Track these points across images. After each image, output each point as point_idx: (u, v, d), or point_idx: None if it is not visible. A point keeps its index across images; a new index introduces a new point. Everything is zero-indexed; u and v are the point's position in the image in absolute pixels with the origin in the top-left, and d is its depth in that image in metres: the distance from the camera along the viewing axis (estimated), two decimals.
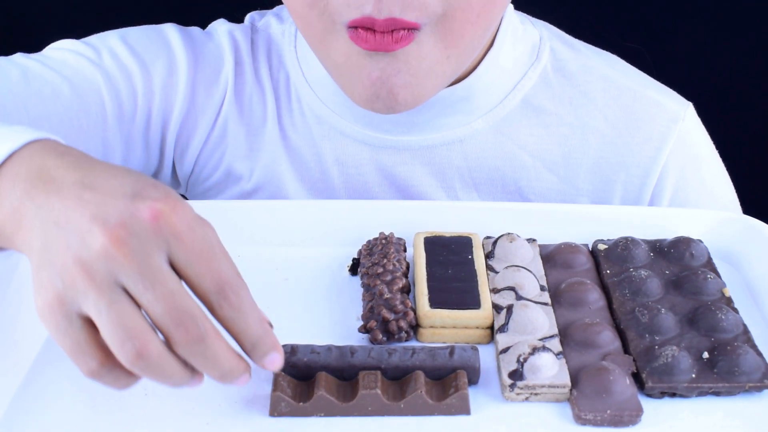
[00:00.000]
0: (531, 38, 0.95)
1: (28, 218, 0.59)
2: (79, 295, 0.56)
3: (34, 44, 0.94)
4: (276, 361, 0.60)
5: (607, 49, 1.00)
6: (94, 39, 0.94)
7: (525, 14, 0.97)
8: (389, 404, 0.63)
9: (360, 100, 0.81)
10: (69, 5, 1.51)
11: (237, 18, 1.00)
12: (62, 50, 0.92)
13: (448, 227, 0.81)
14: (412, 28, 0.76)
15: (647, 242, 0.79)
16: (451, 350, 0.67)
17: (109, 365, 0.57)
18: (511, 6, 0.92)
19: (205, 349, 0.57)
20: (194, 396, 0.66)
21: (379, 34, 0.76)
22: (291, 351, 0.66)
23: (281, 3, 0.99)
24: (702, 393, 0.66)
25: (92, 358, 0.57)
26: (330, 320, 0.73)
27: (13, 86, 0.86)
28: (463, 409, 0.64)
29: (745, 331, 0.70)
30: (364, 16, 0.75)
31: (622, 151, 0.95)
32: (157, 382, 0.58)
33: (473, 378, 0.66)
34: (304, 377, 0.66)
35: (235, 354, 0.58)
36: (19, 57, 0.90)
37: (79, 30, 0.97)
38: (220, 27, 0.97)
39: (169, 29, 0.95)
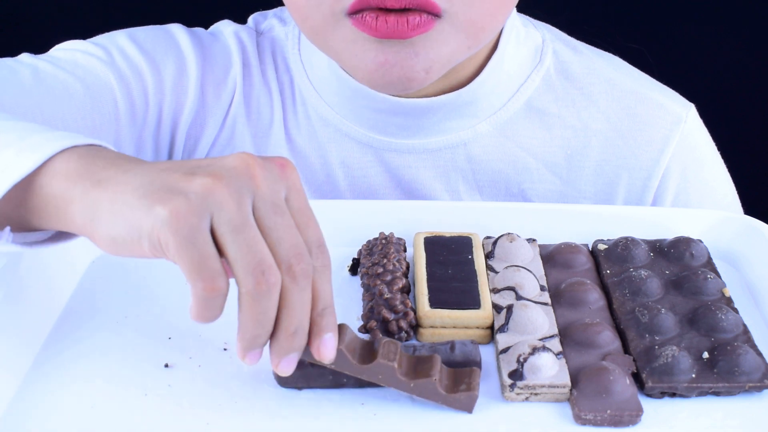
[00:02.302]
0: (534, 41, 0.95)
1: (100, 200, 0.59)
2: (213, 206, 0.56)
3: (35, 47, 0.94)
4: (325, 349, 0.61)
5: (608, 50, 1.00)
6: (102, 39, 0.93)
7: (527, 16, 0.97)
8: (400, 380, 0.63)
9: (365, 81, 0.80)
10: (69, 7, 1.51)
11: (237, 19, 1.00)
12: (71, 50, 0.91)
13: (448, 227, 0.81)
14: (430, 12, 0.74)
15: (647, 242, 0.79)
16: (452, 345, 0.67)
17: (225, 290, 0.58)
18: (514, 9, 0.92)
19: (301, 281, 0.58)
20: (194, 396, 0.66)
21: (392, 19, 0.74)
22: None
23: (282, 4, 0.99)
24: (702, 393, 0.66)
25: (218, 275, 0.57)
26: None
27: (26, 86, 0.86)
28: (468, 407, 0.64)
29: (745, 331, 0.70)
30: None
31: (625, 153, 0.95)
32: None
33: None
34: (309, 379, 0.66)
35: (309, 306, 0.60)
36: (26, 57, 0.89)
37: (80, 31, 0.97)
38: (226, 28, 0.97)
39: (177, 29, 0.95)
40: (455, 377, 0.65)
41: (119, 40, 0.92)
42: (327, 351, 0.61)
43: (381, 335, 0.70)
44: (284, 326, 0.59)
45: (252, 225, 0.57)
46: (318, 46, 0.83)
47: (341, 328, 0.63)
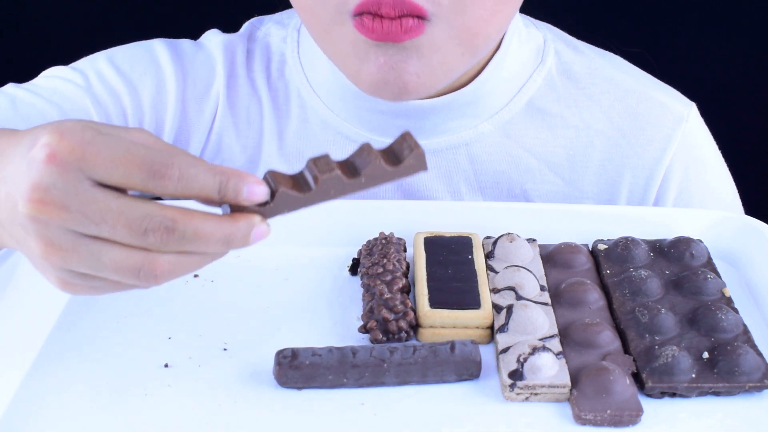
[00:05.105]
0: (535, 41, 0.95)
1: None
2: (67, 267, 0.57)
3: (36, 56, 0.95)
4: (253, 191, 0.57)
5: (609, 51, 1.00)
6: (83, 63, 0.95)
7: (528, 17, 0.97)
8: (350, 182, 0.60)
9: (365, 85, 0.80)
10: (71, 8, 1.51)
11: (237, 23, 1.00)
12: (52, 78, 0.93)
13: (448, 227, 0.81)
14: (420, 17, 0.75)
15: (647, 242, 0.79)
16: (452, 346, 0.67)
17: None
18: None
19: (183, 234, 0.56)
20: (194, 396, 0.66)
21: (387, 22, 0.75)
22: (292, 355, 0.66)
23: (282, 8, 0.99)
24: (702, 393, 0.66)
25: (134, 282, 0.58)
26: (330, 320, 0.73)
27: (1, 113, 0.88)
28: (421, 166, 0.60)
29: (745, 331, 0.70)
30: None
31: (627, 152, 0.95)
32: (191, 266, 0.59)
33: (474, 372, 0.67)
34: (308, 379, 0.66)
35: (221, 218, 0.57)
36: (9, 87, 0.92)
37: (82, 34, 0.97)
38: (214, 38, 0.97)
39: (158, 45, 0.96)
40: (393, 151, 0.61)
41: (98, 63, 0.94)
42: (256, 195, 0.58)
43: (381, 335, 0.70)
44: (213, 192, 0.57)
45: (97, 252, 0.56)
46: (322, 47, 0.84)
47: (273, 177, 0.59)
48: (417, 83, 0.79)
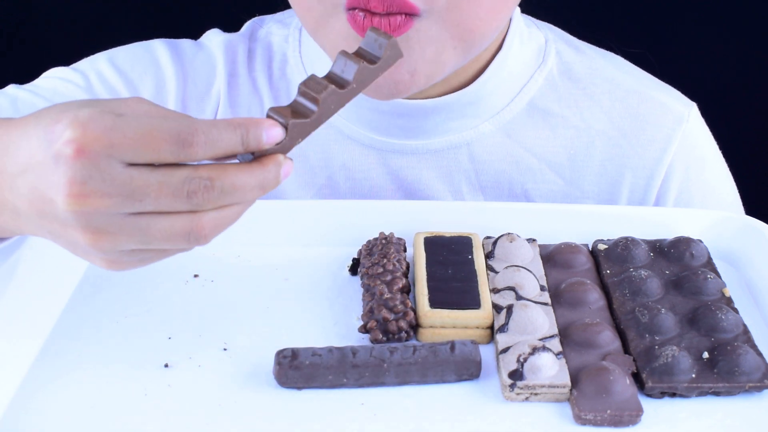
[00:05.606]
0: (537, 41, 0.95)
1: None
2: (118, 248, 0.58)
3: (36, 58, 0.95)
4: (271, 134, 0.60)
5: (610, 51, 1.00)
6: (84, 63, 0.96)
7: (529, 17, 0.97)
8: (345, 92, 0.62)
9: None
10: (71, 9, 1.51)
11: (238, 23, 1.00)
12: (53, 78, 0.94)
13: (448, 227, 0.81)
14: (410, 13, 0.75)
15: (647, 242, 0.79)
16: (452, 346, 0.67)
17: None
18: (518, 9, 0.92)
19: (222, 189, 0.58)
20: (194, 396, 0.66)
21: (376, 18, 0.75)
22: (292, 355, 0.66)
23: (283, 8, 0.99)
24: (702, 393, 0.66)
25: (184, 246, 0.60)
26: (330, 320, 0.73)
27: (2, 114, 0.88)
28: (398, 54, 0.64)
29: (745, 331, 0.70)
30: None
31: (628, 152, 0.95)
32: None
33: (474, 372, 0.67)
34: (308, 379, 0.66)
35: (251, 166, 0.59)
36: (10, 88, 0.92)
37: (82, 34, 0.97)
38: (214, 38, 0.97)
39: (158, 45, 0.96)
40: (366, 50, 0.64)
41: (99, 63, 0.95)
42: (273, 137, 0.60)
43: (381, 335, 0.70)
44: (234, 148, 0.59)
45: (146, 228, 0.58)
46: (317, 40, 0.83)
47: (277, 113, 0.61)
48: (409, 82, 0.79)
